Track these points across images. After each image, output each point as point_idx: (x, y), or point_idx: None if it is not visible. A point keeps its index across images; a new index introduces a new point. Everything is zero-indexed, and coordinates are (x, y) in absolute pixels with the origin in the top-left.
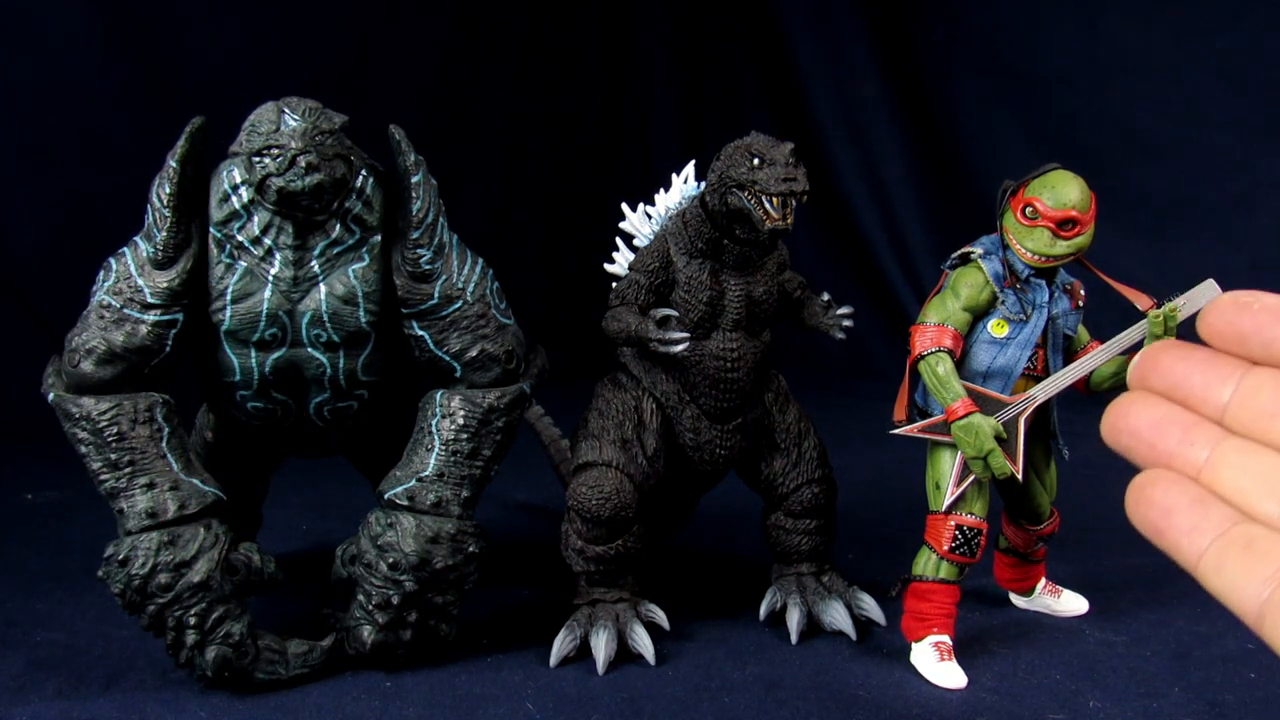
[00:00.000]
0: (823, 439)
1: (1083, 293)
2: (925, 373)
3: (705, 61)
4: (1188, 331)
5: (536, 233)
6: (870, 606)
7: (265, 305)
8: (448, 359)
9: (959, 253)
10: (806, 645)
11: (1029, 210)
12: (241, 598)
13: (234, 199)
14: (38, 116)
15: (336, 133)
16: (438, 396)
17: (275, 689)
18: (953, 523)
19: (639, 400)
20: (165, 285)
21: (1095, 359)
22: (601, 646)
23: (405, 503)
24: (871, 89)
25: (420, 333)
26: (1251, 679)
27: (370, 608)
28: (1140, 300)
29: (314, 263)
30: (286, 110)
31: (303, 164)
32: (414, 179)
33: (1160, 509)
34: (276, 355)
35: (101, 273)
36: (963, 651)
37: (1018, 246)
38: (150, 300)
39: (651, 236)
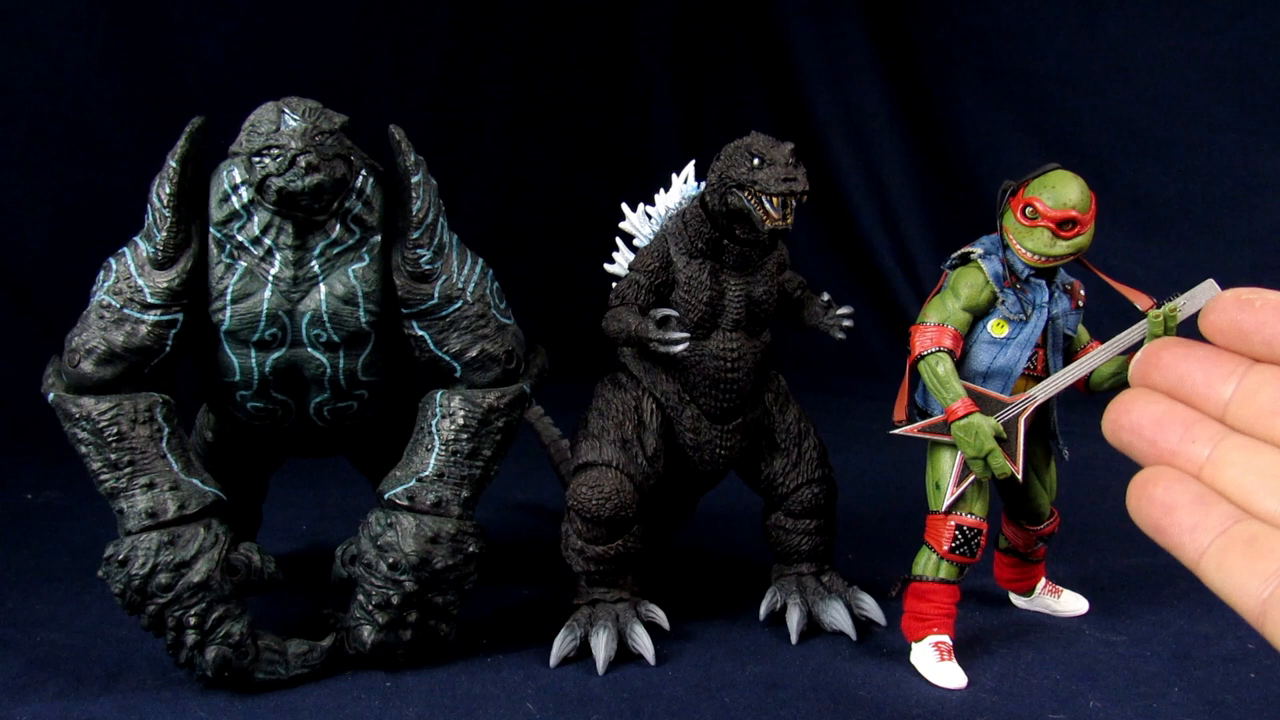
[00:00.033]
0: (823, 439)
1: (1083, 293)
2: (925, 373)
3: (705, 61)
4: (1188, 331)
5: (536, 233)
6: (870, 606)
7: (265, 305)
8: (448, 359)
9: (959, 253)
10: (806, 645)
11: (1029, 210)
12: (241, 598)
13: (234, 199)
14: (38, 116)
15: (336, 133)
16: (438, 396)
17: (275, 689)
18: (953, 523)
19: (639, 400)
20: (165, 285)
21: (1095, 359)
22: (601, 646)
23: (405, 503)
24: (871, 89)
25: (420, 333)
26: (1251, 679)
27: (370, 608)
28: (1140, 300)
29: (314, 263)
30: (286, 110)
31: (303, 164)
32: (414, 179)
33: (1161, 506)
34: (276, 355)
35: (101, 273)
36: (963, 651)
37: (1018, 246)
38: (150, 300)
39: (651, 236)
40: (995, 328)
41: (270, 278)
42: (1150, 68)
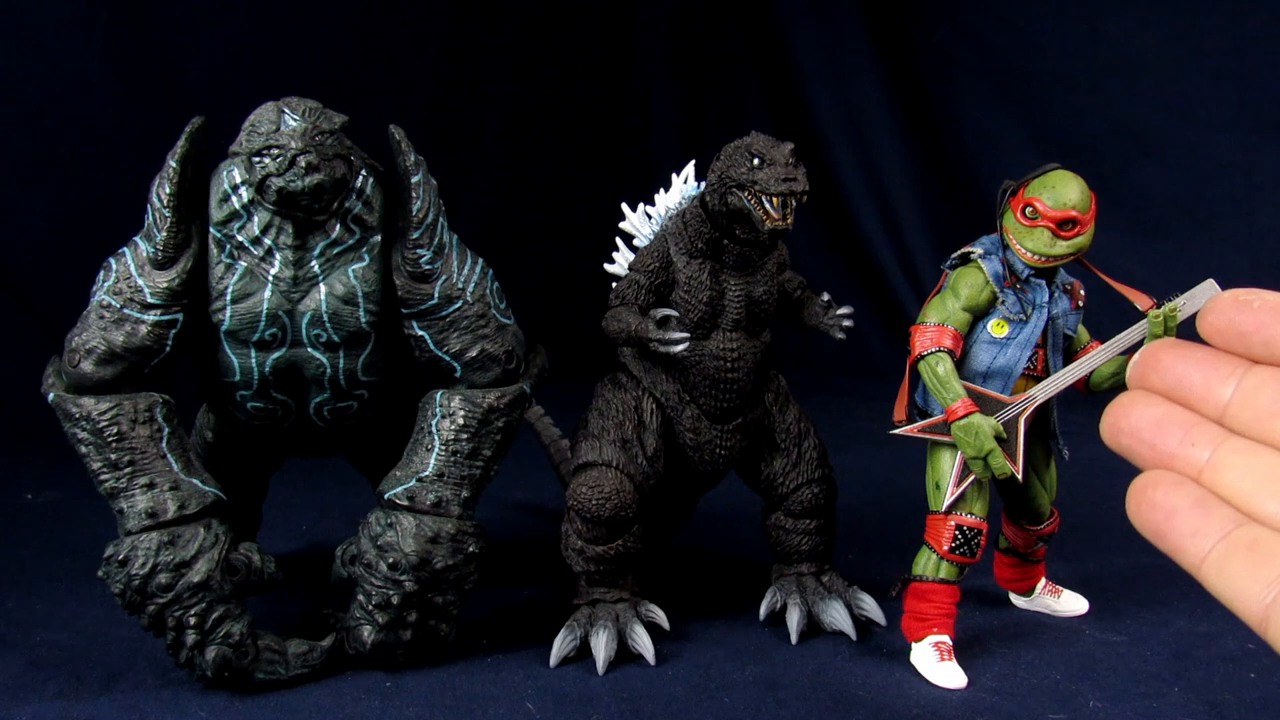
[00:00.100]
0: (823, 439)
1: (1083, 293)
2: (925, 373)
3: (705, 61)
4: (1188, 331)
5: (536, 233)
6: (870, 606)
7: (265, 305)
8: (448, 359)
9: (959, 253)
10: (806, 645)
11: (1029, 210)
12: (241, 598)
13: (234, 199)
14: (38, 116)
15: (336, 133)
16: (438, 396)
17: (275, 689)
18: (953, 523)
19: (639, 400)
20: (165, 285)
21: (1095, 359)
22: (601, 646)
23: (405, 503)
24: (872, 89)
25: (420, 333)
26: (1251, 679)
27: (370, 608)
28: (1140, 300)
29: (314, 263)
30: (286, 110)
31: (303, 164)
32: (414, 179)
33: (1162, 511)
34: (276, 355)
35: (101, 273)
36: (963, 651)
37: (1018, 246)
38: (150, 300)
39: (651, 236)
40: (995, 328)
41: (270, 278)
42: (1150, 68)
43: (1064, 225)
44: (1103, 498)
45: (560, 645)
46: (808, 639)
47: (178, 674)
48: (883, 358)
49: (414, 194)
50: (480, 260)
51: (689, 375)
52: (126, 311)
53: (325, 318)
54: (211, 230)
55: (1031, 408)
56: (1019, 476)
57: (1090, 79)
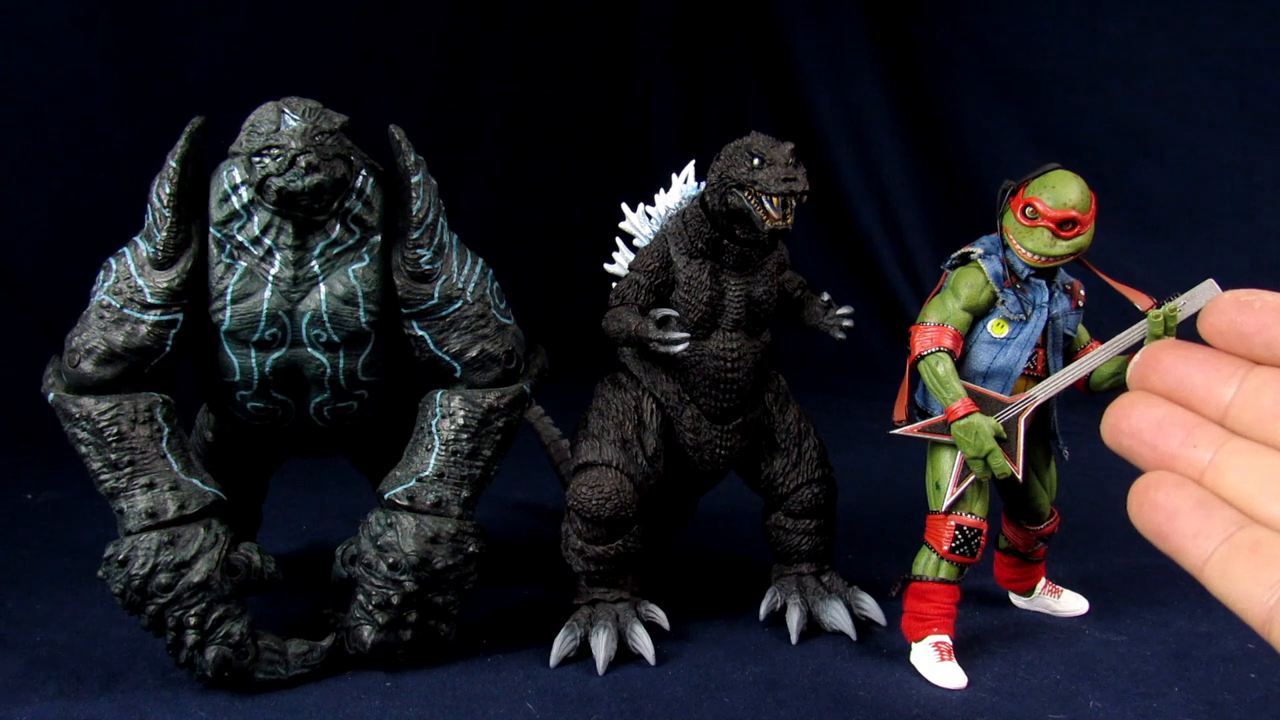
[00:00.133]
0: (823, 439)
1: (1083, 293)
2: (925, 373)
3: (705, 61)
4: (1188, 332)
5: (536, 233)
6: (870, 606)
7: (265, 305)
8: (448, 359)
9: (959, 253)
10: (806, 645)
11: (1029, 210)
12: (241, 598)
13: (234, 199)
14: (37, 116)
15: (336, 133)
16: (438, 396)
17: (275, 689)
18: (953, 523)
19: (639, 400)
20: (165, 285)
21: (1095, 359)
22: (601, 647)
23: (405, 503)
24: (872, 89)
25: (420, 333)
26: (1251, 679)
27: (370, 608)
28: (1140, 300)
29: (314, 263)
30: (286, 110)
31: (303, 164)
32: (414, 179)
33: (1164, 512)
34: (276, 355)
35: (101, 273)
36: (963, 651)
37: (1018, 246)
38: (150, 300)
39: (651, 236)
40: (995, 328)
41: (270, 278)
42: (1150, 68)
43: (1064, 225)
44: (1103, 498)
45: (560, 645)
46: (808, 639)
47: (178, 674)
48: (883, 358)
49: (414, 194)
50: (480, 260)
51: (689, 375)
52: (126, 311)
53: (325, 318)
54: (211, 230)
55: (1031, 408)
56: (1019, 476)
57: (1090, 79)
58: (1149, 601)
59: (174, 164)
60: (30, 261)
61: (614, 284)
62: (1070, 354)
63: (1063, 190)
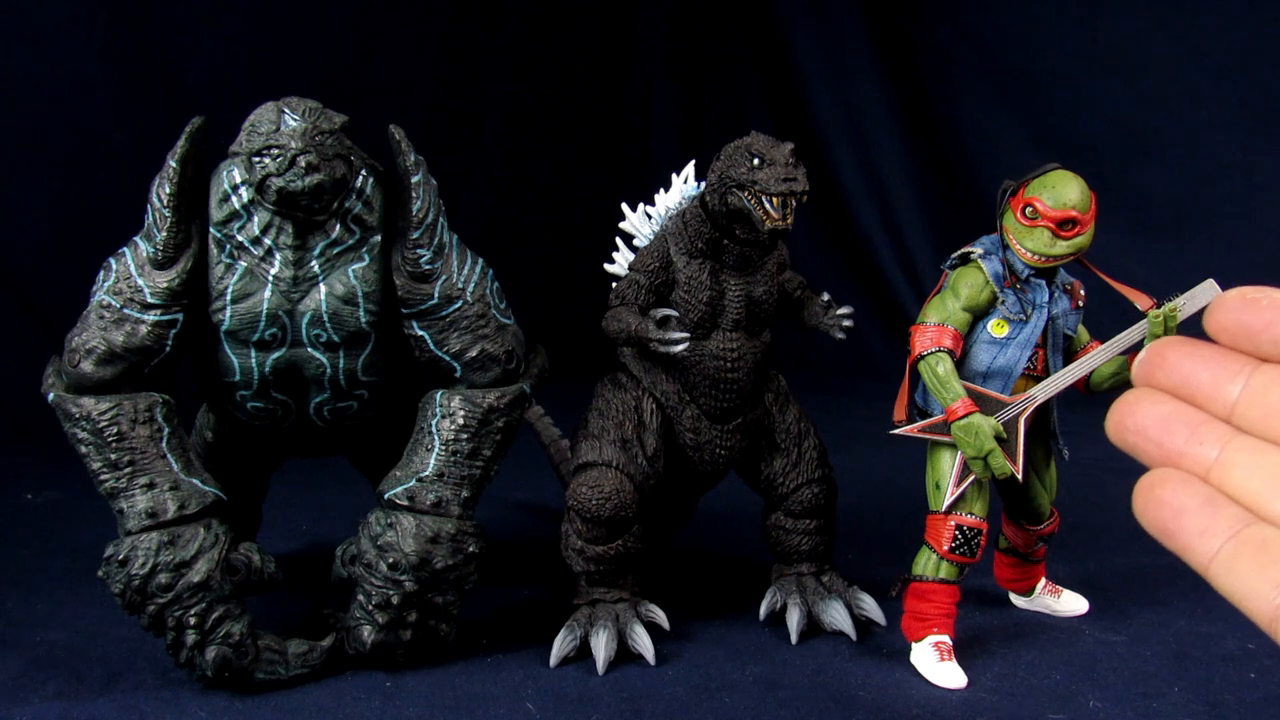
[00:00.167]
0: (823, 439)
1: (1083, 293)
2: (925, 373)
3: (705, 61)
4: (1188, 331)
5: (536, 233)
6: (870, 606)
7: (265, 305)
8: (448, 359)
9: (959, 253)
10: (806, 645)
11: (1029, 210)
12: (241, 598)
13: (234, 199)
14: (38, 116)
15: (336, 133)
16: (438, 396)
17: (275, 689)
18: (953, 523)
19: (639, 400)
20: (165, 285)
21: (1095, 359)
22: (601, 647)
23: (405, 503)
24: (872, 89)
25: (420, 333)
26: (1251, 679)
27: (370, 608)
28: (1140, 300)
29: (314, 263)
30: (286, 110)
31: (303, 164)
32: (414, 179)
33: (1170, 509)
34: (276, 355)
35: (101, 273)
36: (963, 651)
37: (1018, 246)
38: (150, 300)
39: (651, 236)
40: (995, 328)
41: (270, 278)
42: (1150, 68)
43: (1064, 225)
44: (1103, 498)
45: (560, 645)
46: (808, 639)
47: (178, 674)
48: (883, 358)
49: (414, 194)
50: (480, 260)
51: (689, 375)
52: (126, 311)
53: (325, 318)
54: (211, 230)
55: (1031, 408)
56: (1019, 476)
57: (1090, 79)
58: (1149, 601)
59: (174, 164)
60: (30, 261)
61: (614, 284)
62: (1070, 354)
63: (1063, 190)
